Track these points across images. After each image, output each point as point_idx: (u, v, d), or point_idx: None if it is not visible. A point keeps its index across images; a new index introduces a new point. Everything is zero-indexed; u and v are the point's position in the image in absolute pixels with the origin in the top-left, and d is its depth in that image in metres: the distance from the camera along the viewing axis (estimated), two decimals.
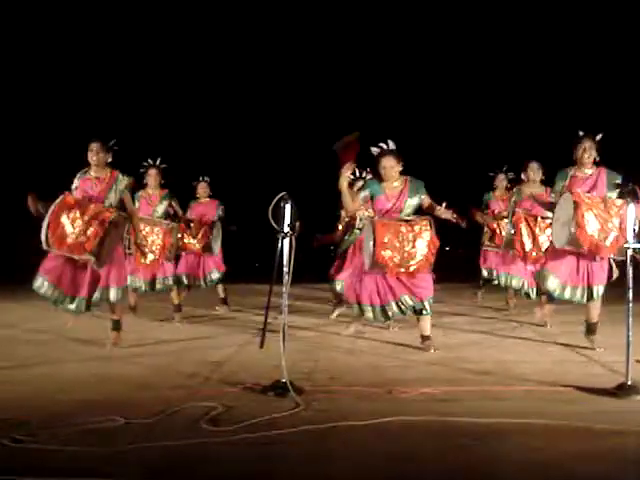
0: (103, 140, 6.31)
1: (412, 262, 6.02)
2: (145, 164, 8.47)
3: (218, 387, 4.73)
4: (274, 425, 3.73)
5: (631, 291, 4.58)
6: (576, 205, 5.53)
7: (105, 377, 5.12)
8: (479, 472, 3.11)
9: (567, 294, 6.00)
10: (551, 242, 6.23)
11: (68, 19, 16.59)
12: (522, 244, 7.72)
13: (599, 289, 5.96)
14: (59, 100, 16.75)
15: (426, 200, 6.22)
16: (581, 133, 5.98)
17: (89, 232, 5.87)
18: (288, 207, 4.62)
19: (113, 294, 6.20)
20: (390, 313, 6.19)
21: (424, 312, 6.16)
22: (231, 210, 9.53)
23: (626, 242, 4.61)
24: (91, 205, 6.00)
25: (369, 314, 6.21)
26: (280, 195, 4.64)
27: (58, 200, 5.95)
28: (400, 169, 6.19)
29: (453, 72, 17.65)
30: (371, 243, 6.00)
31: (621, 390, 4.38)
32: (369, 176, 7.25)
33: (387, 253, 5.96)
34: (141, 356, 5.95)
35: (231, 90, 18.15)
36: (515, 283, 8.30)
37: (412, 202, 6.17)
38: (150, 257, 8.01)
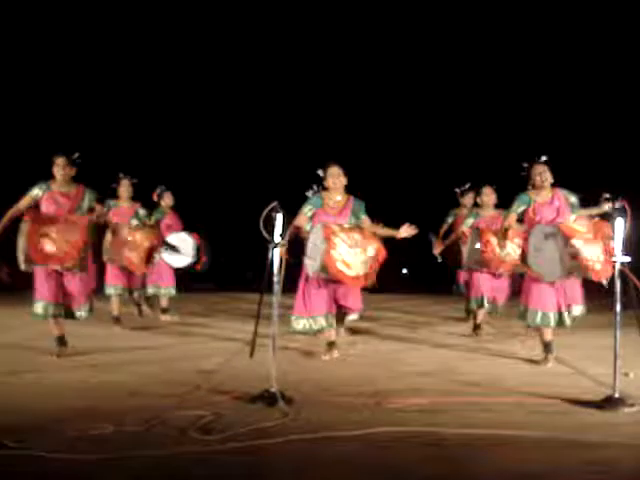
0: (67, 154, 6.32)
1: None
2: (117, 178, 8.56)
3: (208, 396, 4.73)
4: (263, 434, 3.74)
5: (619, 304, 4.63)
6: (567, 237, 5.68)
7: (94, 385, 5.11)
8: None
9: (554, 321, 6.04)
10: (526, 275, 6.25)
11: (34, 28, 16.40)
12: (493, 250, 7.64)
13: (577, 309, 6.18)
14: (23, 109, 16.42)
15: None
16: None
17: (71, 240, 6.02)
18: (279, 217, 4.65)
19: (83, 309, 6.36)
20: None
21: None
22: (223, 220, 9.58)
23: (614, 256, 4.65)
24: (61, 217, 6.09)
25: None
26: (271, 205, 4.66)
27: (26, 224, 6.01)
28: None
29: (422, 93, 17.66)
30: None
31: (608, 402, 4.42)
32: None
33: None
34: (131, 364, 5.94)
35: (222, 96, 18.15)
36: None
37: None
38: None
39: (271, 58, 17.83)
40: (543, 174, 6.14)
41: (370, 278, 5.94)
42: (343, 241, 5.80)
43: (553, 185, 6.20)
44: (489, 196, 8.09)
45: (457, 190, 9.37)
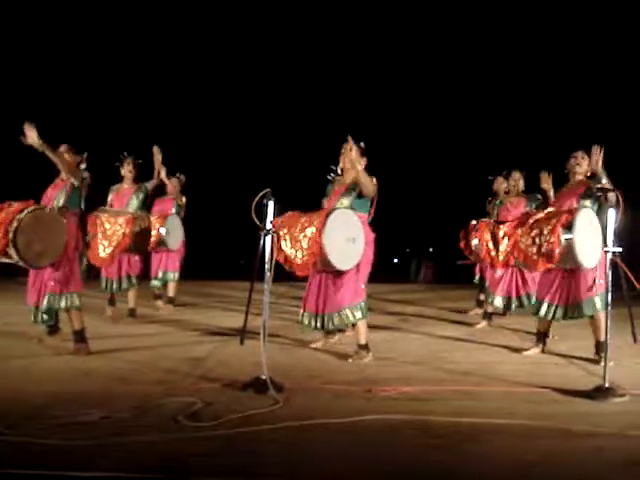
0: (68, 144, 5.91)
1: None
2: (121, 157, 8.10)
3: (198, 383, 4.73)
4: (253, 421, 3.74)
5: (610, 294, 4.63)
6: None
7: (84, 371, 5.09)
8: (456, 472, 3.13)
9: (559, 314, 5.78)
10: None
11: (43, 19, 16.36)
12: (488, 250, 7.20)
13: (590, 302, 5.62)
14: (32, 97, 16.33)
15: None
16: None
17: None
18: (271, 204, 4.62)
19: (61, 301, 5.73)
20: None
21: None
22: (216, 206, 9.40)
23: (606, 246, 4.65)
24: (5, 205, 5.43)
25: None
26: (263, 192, 4.63)
27: None
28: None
29: (449, 78, 17.61)
30: None
31: (598, 392, 4.42)
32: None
33: None
34: (120, 351, 5.92)
35: (215, 85, 18.08)
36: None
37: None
38: (108, 250, 7.43)
39: (269, 44, 17.78)
40: (580, 160, 5.79)
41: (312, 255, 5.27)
42: (290, 231, 5.33)
43: (590, 178, 5.76)
44: (517, 181, 7.67)
45: (490, 177, 8.76)
